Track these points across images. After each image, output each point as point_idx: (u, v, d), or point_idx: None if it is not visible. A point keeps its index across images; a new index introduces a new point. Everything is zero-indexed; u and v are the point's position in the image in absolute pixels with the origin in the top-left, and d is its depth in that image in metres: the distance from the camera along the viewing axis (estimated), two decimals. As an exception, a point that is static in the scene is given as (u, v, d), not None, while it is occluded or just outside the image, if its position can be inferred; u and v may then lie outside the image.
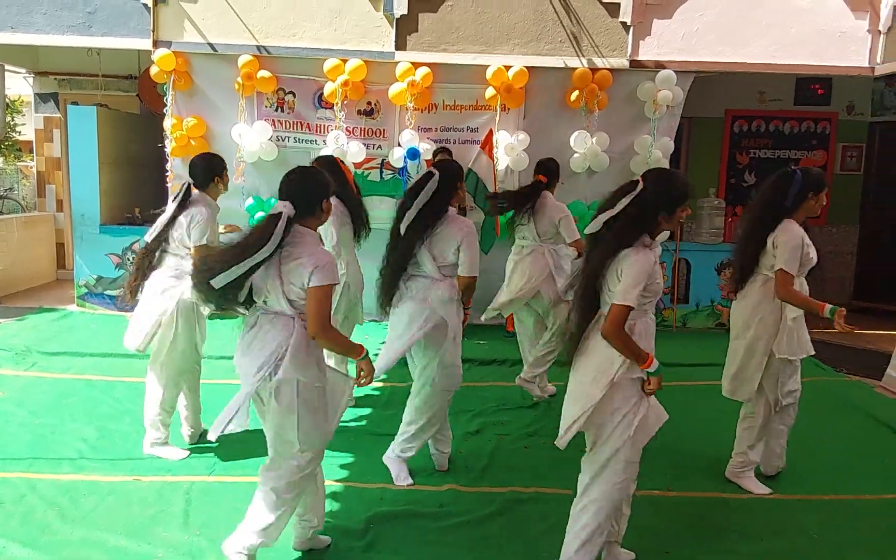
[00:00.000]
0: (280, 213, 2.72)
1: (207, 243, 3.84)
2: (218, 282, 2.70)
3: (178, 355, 3.99)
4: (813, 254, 3.59)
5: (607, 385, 2.72)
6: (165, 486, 3.65)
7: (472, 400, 4.94)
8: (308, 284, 2.70)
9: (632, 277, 2.64)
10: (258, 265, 2.71)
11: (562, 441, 2.86)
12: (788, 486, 3.90)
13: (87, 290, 7.41)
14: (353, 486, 3.73)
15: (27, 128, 10.03)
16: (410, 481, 3.80)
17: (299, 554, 3.10)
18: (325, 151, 6.79)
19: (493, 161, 6.82)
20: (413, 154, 6.77)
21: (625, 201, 2.73)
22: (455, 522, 3.40)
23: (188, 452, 4.07)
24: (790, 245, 3.50)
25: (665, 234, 2.97)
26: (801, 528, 3.46)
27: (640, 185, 2.74)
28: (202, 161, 4.11)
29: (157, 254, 3.93)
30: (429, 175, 3.67)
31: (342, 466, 3.97)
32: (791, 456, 4.19)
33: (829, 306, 3.42)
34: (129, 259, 7.36)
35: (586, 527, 2.84)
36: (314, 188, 2.86)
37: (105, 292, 7.41)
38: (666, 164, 7.01)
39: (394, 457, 3.88)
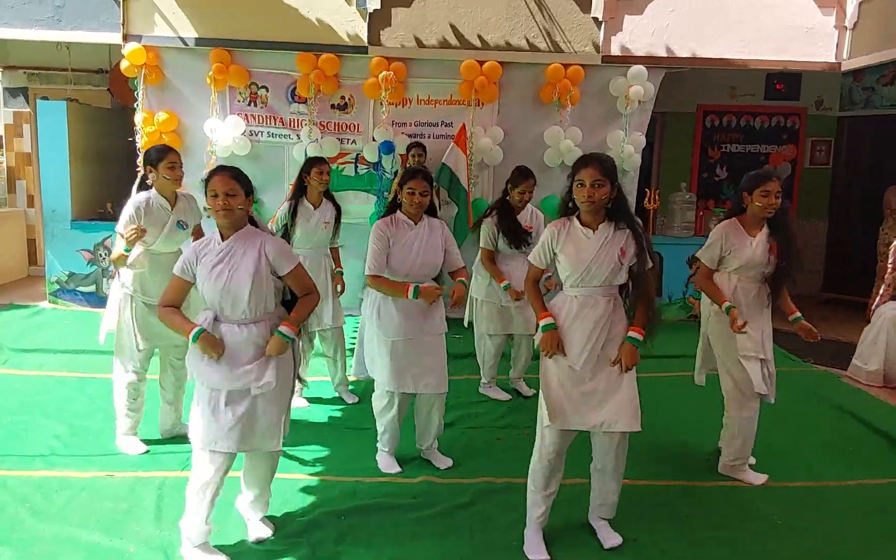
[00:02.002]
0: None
1: (120, 233, 3.78)
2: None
3: (118, 345, 3.99)
4: (741, 256, 3.72)
5: None
6: (138, 481, 3.65)
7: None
8: None
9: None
10: None
11: None
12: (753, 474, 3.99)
13: (58, 287, 7.34)
14: (327, 480, 3.75)
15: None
16: (397, 469, 3.87)
17: (283, 546, 3.13)
18: (298, 146, 6.81)
19: (467, 155, 6.86)
20: (387, 148, 6.79)
21: None
22: (428, 514, 3.44)
23: (146, 448, 4.05)
24: (710, 240, 3.83)
25: None
26: (763, 514, 3.55)
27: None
28: (146, 152, 4.08)
29: None
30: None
31: (316, 460, 3.99)
32: (758, 444, 4.28)
33: (726, 303, 3.68)
34: (101, 255, 7.30)
35: None
36: None
37: (77, 289, 7.34)
38: (638, 160, 7.11)
39: (378, 449, 3.97)
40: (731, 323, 3.61)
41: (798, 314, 3.88)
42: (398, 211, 3.78)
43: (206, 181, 2.88)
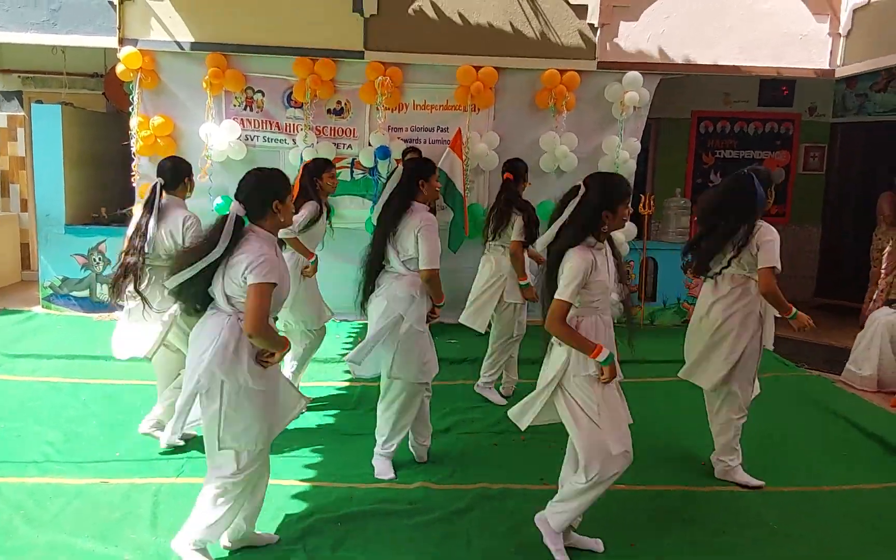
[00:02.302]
0: (231, 213, 2.77)
1: None
2: (169, 283, 2.72)
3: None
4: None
5: (554, 382, 2.95)
6: (133, 488, 3.63)
7: (442, 398, 4.95)
8: (245, 282, 2.72)
9: (568, 274, 2.84)
10: (211, 267, 2.73)
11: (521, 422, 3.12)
12: (750, 479, 4.00)
13: (52, 292, 7.30)
14: (323, 486, 3.73)
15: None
16: (392, 475, 3.86)
17: (280, 552, 3.12)
18: (294, 151, 6.80)
19: (463, 160, 6.86)
20: (383, 153, 6.79)
21: (571, 206, 2.91)
22: (425, 520, 3.43)
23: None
24: (774, 243, 3.65)
25: (631, 232, 3.09)
26: (760, 519, 3.56)
27: (583, 189, 2.92)
28: (172, 163, 4.12)
29: (141, 267, 3.88)
30: (397, 170, 3.77)
31: (311, 466, 3.98)
32: (752, 449, 4.32)
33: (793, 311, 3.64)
34: (95, 260, 7.27)
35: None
36: (265, 189, 2.85)
37: (71, 294, 7.30)
38: (633, 165, 7.14)
39: (376, 454, 3.95)
40: (805, 324, 3.69)
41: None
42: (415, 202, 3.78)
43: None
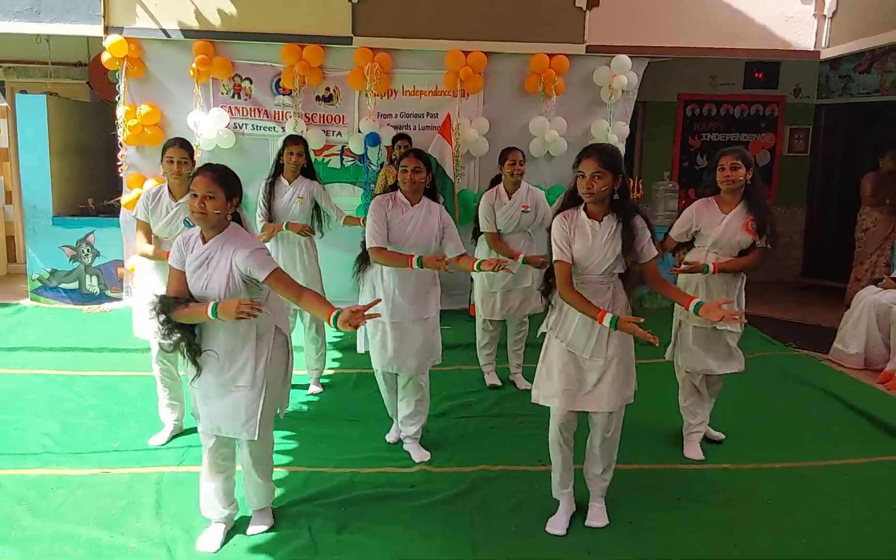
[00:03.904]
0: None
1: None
2: None
3: None
4: (711, 232, 3.91)
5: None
6: (135, 477, 3.64)
7: (437, 383, 4.99)
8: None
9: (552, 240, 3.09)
10: None
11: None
12: (742, 456, 4.08)
13: (40, 284, 7.24)
14: (324, 471, 3.76)
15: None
16: (427, 455, 3.95)
17: (285, 536, 3.16)
18: (283, 138, 6.72)
19: (452, 146, 6.87)
20: (373, 140, 6.78)
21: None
22: (426, 502, 3.47)
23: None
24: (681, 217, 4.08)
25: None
26: (754, 496, 3.63)
27: None
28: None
29: None
30: None
31: (313, 452, 4.00)
32: (744, 427, 4.45)
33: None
34: (83, 251, 7.21)
35: None
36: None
37: (59, 286, 7.25)
38: (622, 148, 7.18)
39: (408, 440, 4.02)
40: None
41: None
42: (398, 191, 3.80)
43: (192, 177, 2.84)
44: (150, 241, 3.83)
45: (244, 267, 2.76)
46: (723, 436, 4.26)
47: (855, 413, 4.79)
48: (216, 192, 2.76)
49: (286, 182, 4.83)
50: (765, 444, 4.26)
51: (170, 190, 3.85)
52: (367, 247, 3.71)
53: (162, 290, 3.24)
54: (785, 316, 7.27)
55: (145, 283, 3.95)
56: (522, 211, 4.88)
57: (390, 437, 4.19)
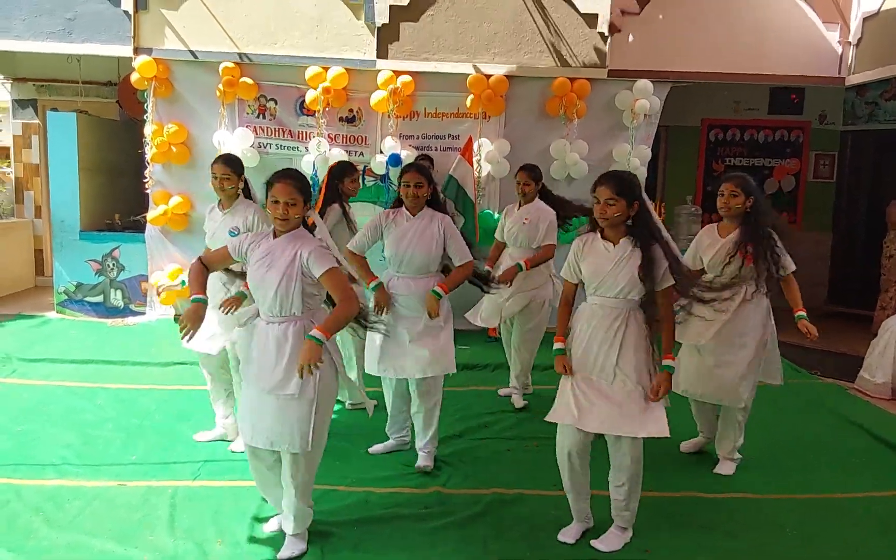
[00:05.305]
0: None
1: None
2: None
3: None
4: (706, 255, 4.01)
5: None
6: (150, 490, 3.66)
7: (455, 404, 4.98)
8: None
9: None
10: None
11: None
12: (765, 486, 4.00)
13: (66, 297, 7.35)
14: (339, 490, 3.75)
15: (4, 134, 9.90)
16: (429, 465, 4.05)
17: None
18: (307, 158, 6.84)
19: (473, 167, 6.90)
20: (395, 161, 6.82)
21: None
22: (440, 524, 3.44)
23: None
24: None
25: None
26: (777, 525, 3.56)
27: None
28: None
29: None
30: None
31: (327, 470, 3.97)
32: (767, 455, 4.38)
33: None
34: (109, 265, 7.32)
35: None
36: None
37: (85, 299, 7.36)
38: (644, 172, 7.15)
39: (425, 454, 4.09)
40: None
41: (802, 312, 3.92)
42: (402, 206, 3.95)
43: (268, 184, 2.97)
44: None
45: (307, 259, 2.88)
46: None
47: (881, 444, 4.68)
48: (297, 199, 2.94)
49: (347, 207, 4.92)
50: (788, 472, 4.19)
51: (220, 201, 4.08)
52: (347, 247, 3.96)
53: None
54: (810, 343, 7.12)
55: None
56: (523, 223, 4.96)
57: (374, 449, 4.26)
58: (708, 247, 3.97)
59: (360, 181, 7.05)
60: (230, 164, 4.00)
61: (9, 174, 9.01)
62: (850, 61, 7.28)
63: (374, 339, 3.91)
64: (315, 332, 2.79)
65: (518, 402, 5.17)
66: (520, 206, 5.08)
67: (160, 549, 3.12)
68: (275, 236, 3.00)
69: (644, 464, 3.24)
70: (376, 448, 4.26)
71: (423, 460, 4.04)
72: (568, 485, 3.28)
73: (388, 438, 4.30)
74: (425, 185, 3.88)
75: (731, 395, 3.98)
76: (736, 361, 3.93)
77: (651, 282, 3.03)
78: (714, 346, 3.92)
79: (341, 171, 4.92)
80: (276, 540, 3.20)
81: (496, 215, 6.83)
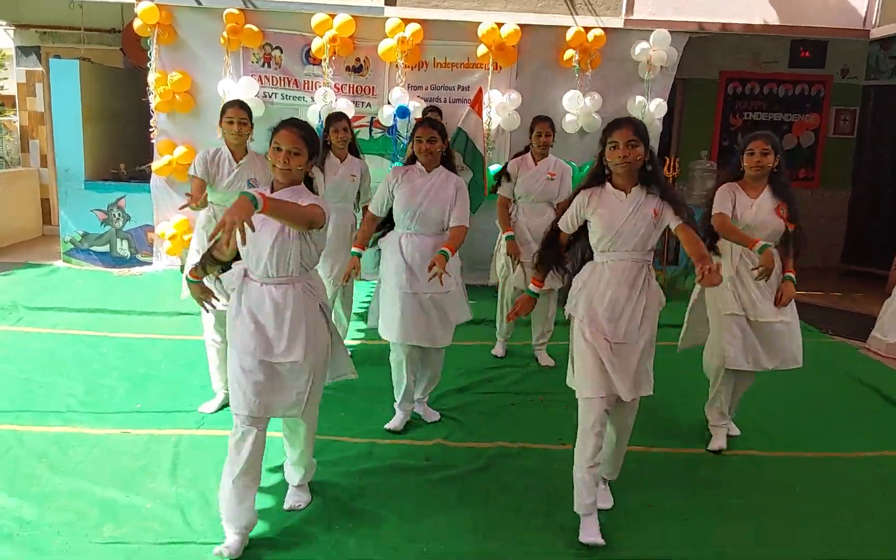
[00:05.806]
0: None
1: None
2: None
3: None
4: (744, 218, 3.67)
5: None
6: (153, 439, 3.65)
7: (457, 358, 4.94)
8: None
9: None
10: None
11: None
12: (772, 444, 3.95)
13: (73, 246, 7.35)
14: (342, 441, 3.74)
15: (9, 82, 9.81)
16: (437, 415, 4.08)
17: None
18: (313, 108, 6.71)
19: (483, 120, 6.76)
20: (403, 112, 6.69)
21: None
22: (442, 476, 3.42)
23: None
24: (718, 198, 3.69)
25: None
26: (784, 484, 3.51)
27: None
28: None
29: None
30: None
31: (332, 421, 3.97)
32: (774, 414, 4.32)
33: (759, 243, 3.46)
34: (114, 215, 7.29)
35: None
36: None
37: (91, 248, 7.34)
38: (659, 126, 6.99)
39: (416, 403, 4.07)
40: (766, 261, 3.35)
41: (790, 273, 3.71)
42: (416, 162, 3.79)
43: (274, 130, 2.75)
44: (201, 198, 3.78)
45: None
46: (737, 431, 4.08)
47: (891, 404, 4.61)
48: (301, 149, 2.71)
49: (338, 160, 4.77)
50: (795, 432, 4.13)
51: (230, 150, 3.84)
52: (370, 209, 3.89)
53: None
54: (823, 302, 7.04)
55: (197, 246, 3.90)
56: (548, 178, 4.82)
57: (393, 424, 3.95)
58: (742, 206, 3.64)
59: (369, 133, 6.99)
60: (246, 108, 3.85)
61: (14, 122, 8.94)
62: (875, 14, 7.02)
63: (393, 307, 3.75)
64: (254, 193, 2.38)
65: (545, 359, 5.10)
66: (535, 160, 4.88)
67: (161, 497, 3.11)
68: (272, 190, 2.74)
69: (648, 420, 3.17)
70: (394, 424, 3.96)
71: (429, 414, 4.08)
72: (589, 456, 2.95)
73: (395, 412, 4.06)
74: (438, 140, 3.71)
75: (798, 354, 3.84)
76: (793, 321, 3.82)
77: (684, 209, 2.87)
78: (776, 311, 3.72)
79: (327, 123, 4.82)
80: (280, 490, 3.19)
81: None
